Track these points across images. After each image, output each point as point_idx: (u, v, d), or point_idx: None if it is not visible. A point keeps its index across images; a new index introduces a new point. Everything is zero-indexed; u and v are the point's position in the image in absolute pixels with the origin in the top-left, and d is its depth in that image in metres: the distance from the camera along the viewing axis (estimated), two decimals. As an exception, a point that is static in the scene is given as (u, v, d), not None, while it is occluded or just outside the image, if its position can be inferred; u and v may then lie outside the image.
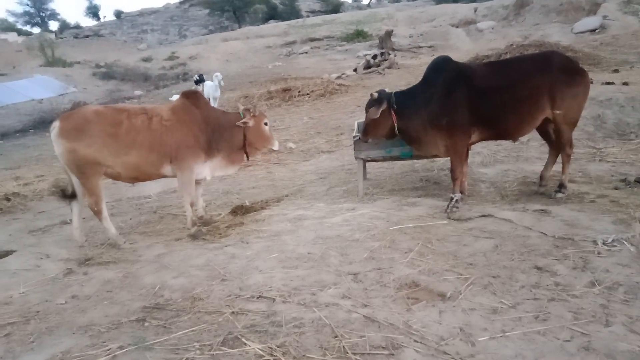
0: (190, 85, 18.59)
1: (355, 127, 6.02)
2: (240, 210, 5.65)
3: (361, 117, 10.49)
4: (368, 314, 3.09)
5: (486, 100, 4.75)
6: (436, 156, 5.53)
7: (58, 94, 20.65)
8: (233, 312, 3.27)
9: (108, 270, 4.32)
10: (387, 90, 5.29)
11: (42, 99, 19.17)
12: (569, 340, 2.61)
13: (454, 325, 2.87)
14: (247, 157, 5.49)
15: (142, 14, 55.26)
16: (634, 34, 18.16)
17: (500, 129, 4.88)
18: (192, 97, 5.20)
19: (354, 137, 5.59)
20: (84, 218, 5.21)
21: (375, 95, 4.95)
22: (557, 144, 5.01)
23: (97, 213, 4.84)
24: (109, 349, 2.92)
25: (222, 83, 14.27)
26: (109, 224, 4.93)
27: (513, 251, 3.81)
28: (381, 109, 4.89)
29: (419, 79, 5.29)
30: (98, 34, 50.14)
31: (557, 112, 4.77)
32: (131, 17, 54.41)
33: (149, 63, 27.40)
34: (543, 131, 5.14)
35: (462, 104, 4.76)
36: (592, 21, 21.56)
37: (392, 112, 4.93)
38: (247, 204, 5.89)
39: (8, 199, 7.22)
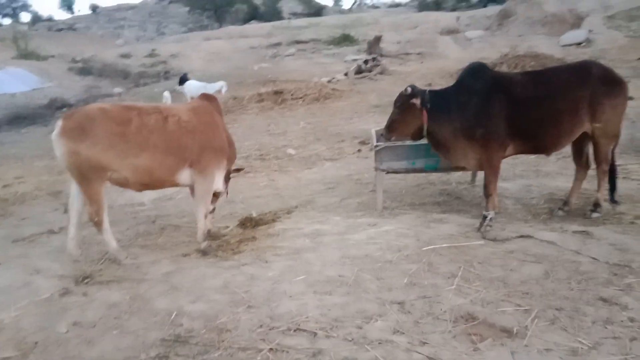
0: (173, 84, 17.97)
1: (373, 136, 5.64)
2: (249, 223, 5.20)
3: (361, 124, 10.20)
4: (430, 354, 2.71)
5: (525, 112, 4.44)
6: (464, 169, 5.20)
7: (32, 88, 19.74)
8: (271, 349, 2.85)
9: (111, 290, 3.83)
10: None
11: (16, 93, 18.25)
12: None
13: (535, 370, 2.51)
14: None
15: (119, 8, 53.89)
16: (621, 48, 18.35)
17: (539, 142, 4.58)
18: (213, 101, 4.83)
19: (375, 146, 5.21)
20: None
21: (409, 90, 4.57)
22: (595, 158, 4.73)
23: (98, 224, 4.34)
24: (132, 396, 2.46)
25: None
26: (109, 236, 4.42)
27: (568, 279, 3.49)
28: (417, 104, 4.52)
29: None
30: (72, 27, 48.67)
31: (597, 125, 4.50)
32: (107, 12, 53.01)
33: (129, 59, 26.49)
34: (578, 148, 4.85)
35: (499, 115, 4.43)
36: (578, 34, 21.76)
37: (425, 111, 4.56)
38: (255, 215, 5.44)
39: (-15, 203, 6.62)
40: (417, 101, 4.51)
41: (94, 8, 53.87)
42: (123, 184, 4.46)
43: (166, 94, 13.80)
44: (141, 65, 25.23)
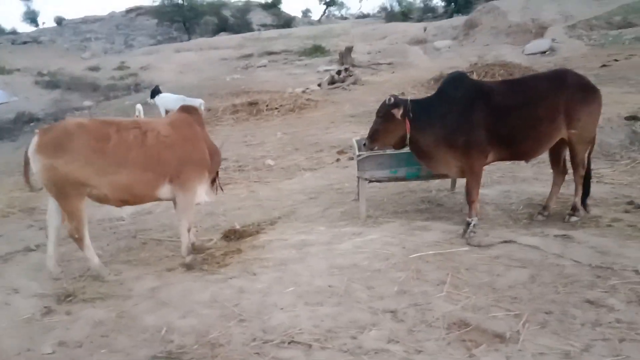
0: (145, 97, 17.72)
1: (355, 145, 5.67)
2: (233, 235, 5.16)
3: (338, 134, 10.25)
4: (428, 362, 2.72)
5: (505, 120, 4.53)
6: (445, 176, 5.28)
7: (-3, 102, 19.22)
8: (267, 363, 2.82)
9: (96, 308, 3.74)
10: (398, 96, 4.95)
11: (-20, 108, 17.74)
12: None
13: (532, 374, 2.55)
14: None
15: (85, 21, 52.83)
16: (583, 56, 18.91)
17: (519, 149, 4.68)
18: (193, 113, 4.77)
19: (358, 156, 5.24)
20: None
21: (392, 100, 4.61)
22: (572, 164, 4.87)
23: (79, 240, 4.24)
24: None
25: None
26: (91, 253, 4.33)
27: (554, 282, 3.57)
28: (399, 113, 4.55)
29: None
30: (37, 40, 47.51)
31: (573, 131, 4.63)
32: (73, 24, 51.90)
33: (97, 72, 26.01)
34: (556, 153, 4.97)
35: (480, 123, 4.52)
36: (542, 43, 22.36)
37: (407, 120, 4.60)
38: (238, 227, 5.40)
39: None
40: (399, 111, 4.55)
41: (59, 21, 52.68)
42: (102, 200, 4.38)
43: (138, 106, 13.58)
44: (110, 78, 24.82)
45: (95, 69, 26.87)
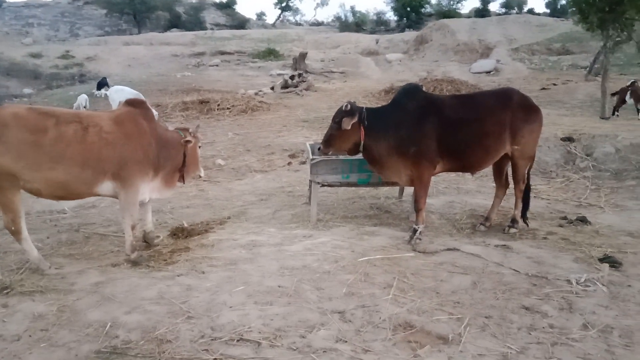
0: (91, 88, 17.13)
1: (308, 149, 5.74)
2: (181, 233, 5.09)
3: (290, 138, 10.30)
4: (374, 361, 2.80)
5: (454, 133, 4.73)
6: (394, 184, 5.42)
7: None
8: (215, 359, 2.81)
9: (35, 301, 3.58)
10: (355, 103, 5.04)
11: None
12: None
13: (473, 374, 2.68)
14: (183, 180, 5.05)
15: (27, 5, 50.40)
16: (525, 78, 19.93)
17: (466, 161, 4.88)
18: (140, 107, 4.58)
19: (312, 159, 5.30)
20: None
21: (348, 106, 4.69)
22: (513, 178, 5.13)
23: (15, 233, 4.03)
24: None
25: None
26: (29, 245, 4.13)
27: (494, 289, 3.75)
28: (352, 122, 4.64)
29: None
30: (-27, 21, 44.95)
31: (516, 147, 4.89)
32: (14, 8, 49.39)
33: (39, 60, 24.79)
34: (499, 168, 5.22)
35: (431, 135, 4.69)
36: (487, 64, 23.40)
37: (362, 127, 4.71)
38: (186, 225, 5.33)
39: None
40: (355, 118, 4.64)
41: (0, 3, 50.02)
42: (36, 193, 4.14)
43: (84, 96, 13.10)
44: (54, 67, 23.75)
45: (37, 56, 25.63)
